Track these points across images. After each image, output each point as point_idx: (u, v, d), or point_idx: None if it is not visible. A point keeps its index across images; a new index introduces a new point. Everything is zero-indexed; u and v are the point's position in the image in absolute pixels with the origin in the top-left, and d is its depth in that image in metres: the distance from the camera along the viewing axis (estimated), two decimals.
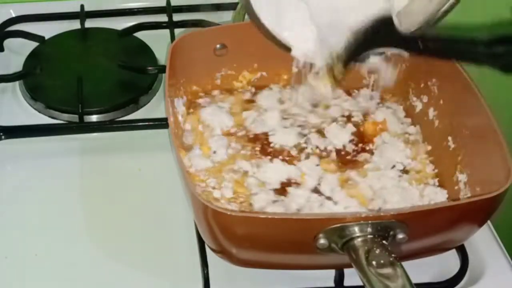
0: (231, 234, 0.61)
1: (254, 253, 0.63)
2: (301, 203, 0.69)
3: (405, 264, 0.57)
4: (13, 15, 0.98)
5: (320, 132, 0.77)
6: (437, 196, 0.70)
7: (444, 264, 0.68)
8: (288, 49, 0.69)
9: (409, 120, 0.80)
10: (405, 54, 0.62)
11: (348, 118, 0.79)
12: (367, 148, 0.77)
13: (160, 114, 0.82)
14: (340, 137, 0.77)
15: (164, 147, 0.76)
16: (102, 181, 0.77)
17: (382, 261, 0.56)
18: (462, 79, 0.71)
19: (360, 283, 0.57)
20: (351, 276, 0.61)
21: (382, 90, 0.82)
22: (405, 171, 0.74)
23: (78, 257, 0.69)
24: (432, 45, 0.56)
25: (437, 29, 0.60)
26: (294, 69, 0.71)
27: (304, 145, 0.76)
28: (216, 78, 0.81)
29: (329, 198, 0.70)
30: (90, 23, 0.97)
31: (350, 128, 0.78)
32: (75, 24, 0.97)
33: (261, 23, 0.67)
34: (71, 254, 0.70)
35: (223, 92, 0.82)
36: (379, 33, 0.58)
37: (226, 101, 0.81)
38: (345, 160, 0.75)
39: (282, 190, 0.71)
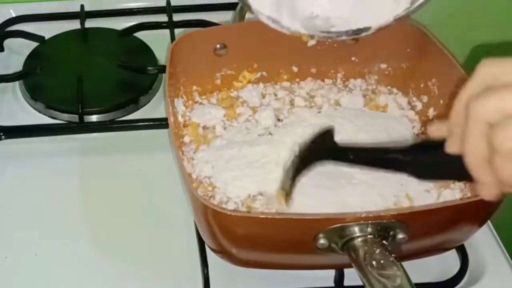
0: (231, 234, 0.61)
1: (254, 253, 0.63)
2: None
3: (405, 264, 0.57)
4: (13, 15, 0.98)
5: None
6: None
7: (444, 264, 0.68)
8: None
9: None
10: None
11: None
12: None
13: (160, 114, 0.82)
14: None
15: (164, 147, 0.76)
16: (102, 181, 0.77)
17: (382, 261, 0.56)
18: (462, 79, 0.71)
19: (360, 283, 0.57)
20: (351, 276, 0.61)
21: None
22: None
23: (78, 257, 0.69)
24: (361, 156, 0.59)
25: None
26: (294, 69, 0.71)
27: None
28: (216, 78, 0.81)
29: None
30: (90, 23, 0.97)
31: None
32: (75, 24, 0.97)
33: None
34: (71, 254, 0.70)
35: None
36: (321, 146, 0.61)
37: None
38: None
39: None
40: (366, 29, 0.67)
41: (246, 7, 0.67)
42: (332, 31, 0.67)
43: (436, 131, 0.55)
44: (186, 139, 0.75)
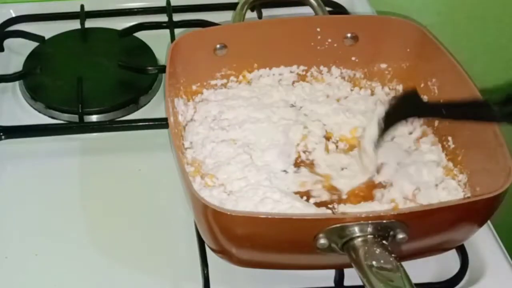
0: (231, 234, 0.61)
1: (254, 253, 0.63)
2: None
3: (405, 264, 0.57)
4: (13, 15, 0.98)
5: None
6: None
7: (444, 264, 0.68)
8: None
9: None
10: None
11: None
12: None
13: (160, 114, 0.82)
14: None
15: (164, 147, 0.76)
16: (102, 181, 0.77)
17: (382, 261, 0.56)
18: (462, 79, 0.71)
19: (360, 283, 0.57)
20: (351, 276, 0.61)
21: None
22: None
23: (78, 257, 0.69)
24: (454, 111, 0.63)
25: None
26: None
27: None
28: (216, 78, 0.81)
29: None
30: (90, 23, 0.97)
31: None
32: (75, 24, 0.96)
33: None
34: (71, 254, 0.70)
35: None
36: (409, 104, 0.66)
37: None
38: None
39: None
40: None
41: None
42: None
43: None
44: (187, 143, 0.75)
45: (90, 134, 0.82)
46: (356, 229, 0.58)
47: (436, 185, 0.70)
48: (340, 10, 0.99)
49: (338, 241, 0.59)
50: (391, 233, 0.59)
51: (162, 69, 0.87)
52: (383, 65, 0.82)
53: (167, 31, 0.93)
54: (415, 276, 0.56)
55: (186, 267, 0.68)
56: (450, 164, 0.72)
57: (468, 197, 0.68)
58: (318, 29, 0.81)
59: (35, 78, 0.88)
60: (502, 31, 1.11)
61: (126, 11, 1.00)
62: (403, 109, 0.66)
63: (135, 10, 1.00)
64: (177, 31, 0.93)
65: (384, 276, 0.55)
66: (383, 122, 0.68)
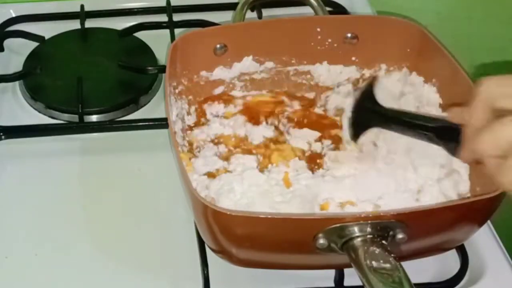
0: (231, 234, 0.61)
1: (254, 253, 0.63)
2: None
3: (405, 264, 0.57)
4: (13, 15, 0.99)
5: None
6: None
7: (444, 264, 0.68)
8: None
9: None
10: None
11: None
12: None
13: (160, 114, 0.82)
14: None
15: (164, 147, 0.76)
16: (102, 181, 0.77)
17: (381, 261, 0.56)
18: (462, 79, 0.71)
19: (360, 283, 0.57)
20: (351, 276, 0.61)
21: None
22: None
23: (78, 257, 0.69)
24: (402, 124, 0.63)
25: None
26: None
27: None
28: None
29: None
30: (90, 23, 0.97)
31: None
32: (75, 24, 0.97)
33: None
34: (71, 254, 0.70)
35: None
36: (368, 112, 0.66)
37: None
38: None
39: None
40: None
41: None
42: None
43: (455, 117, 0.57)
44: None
45: (90, 134, 0.82)
46: (356, 229, 0.58)
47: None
48: (340, 10, 0.99)
49: (338, 241, 0.59)
50: (391, 233, 0.59)
51: (162, 69, 0.87)
52: (383, 65, 0.82)
53: (167, 31, 0.93)
54: (415, 276, 0.56)
55: (186, 267, 0.68)
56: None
57: (468, 197, 0.68)
58: (318, 29, 0.81)
59: (35, 78, 0.88)
60: (502, 31, 1.11)
61: (126, 11, 1.00)
62: (364, 118, 0.67)
63: (135, 10, 1.00)
64: (177, 31, 0.93)
65: (384, 276, 0.55)
66: (351, 128, 0.68)
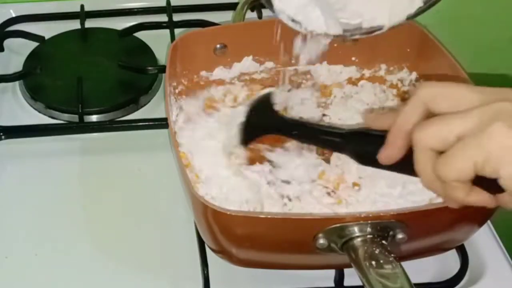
0: (231, 234, 0.61)
1: (254, 253, 0.63)
2: None
3: (405, 264, 0.57)
4: (13, 15, 0.99)
5: None
6: None
7: (444, 264, 0.68)
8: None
9: None
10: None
11: None
12: None
13: (160, 114, 0.82)
14: None
15: (164, 147, 0.76)
16: (102, 181, 0.77)
17: (381, 261, 0.56)
18: (461, 79, 0.71)
19: (360, 283, 0.57)
20: (351, 276, 0.61)
21: None
22: None
23: (78, 257, 0.69)
24: (301, 131, 0.62)
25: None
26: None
27: None
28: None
29: None
30: (90, 23, 0.97)
31: None
32: (75, 24, 0.97)
33: None
34: (71, 254, 0.70)
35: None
36: (265, 119, 0.65)
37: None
38: None
39: None
40: (379, 28, 0.67)
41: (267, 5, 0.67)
42: (347, 30, 0.67)
43: (376, 123, 0.56)
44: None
45: (90, 134, 0.82)
46: (356, 229, 0.58)
47: None
48: None
49: (338, 241, 0.59)
50: (391, 233, 0.59)
51: (162, 69, 0.87)
52: (383, 65, 0.82)
53: (167, 31, 0.93)
54: (415, 276, 0.56)
55: (186, 267, 0.68)
56: None
57: None
58: None
59: (35, 78, 0.88)
60: (502, 31, 1.11)
61: (126, 11, 1.00)
62: (259, 123, 0.66)
63: (135, 10, 1.00)
64: (177, 31, 0.93)
65: (384, 276, 0.55)
66: (242, 133, 0.67)
